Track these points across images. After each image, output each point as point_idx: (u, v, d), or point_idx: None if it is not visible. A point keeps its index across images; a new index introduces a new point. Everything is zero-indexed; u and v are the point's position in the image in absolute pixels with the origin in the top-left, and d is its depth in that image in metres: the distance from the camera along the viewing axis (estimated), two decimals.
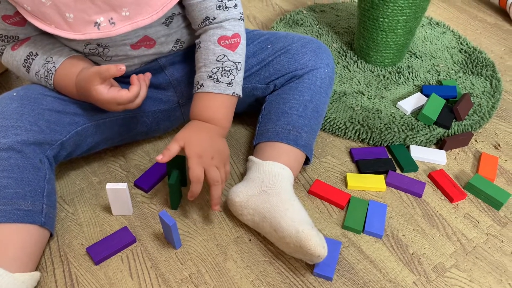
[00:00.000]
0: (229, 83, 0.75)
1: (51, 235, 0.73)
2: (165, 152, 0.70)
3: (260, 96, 0.89)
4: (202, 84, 0.75)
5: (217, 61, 0.75)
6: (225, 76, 0.75)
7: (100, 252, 0.72)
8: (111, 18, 0.69)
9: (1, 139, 0.68)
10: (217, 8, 0.74)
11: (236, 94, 0.77)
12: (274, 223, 0.69)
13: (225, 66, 0.75)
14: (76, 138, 0.76)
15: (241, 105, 0.86)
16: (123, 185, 0.74)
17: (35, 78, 0.75)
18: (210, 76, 0.74)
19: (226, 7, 0.75)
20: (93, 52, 0.76)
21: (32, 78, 0.76)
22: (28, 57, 0.75)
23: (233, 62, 0.75)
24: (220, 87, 0.75)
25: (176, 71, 0.83)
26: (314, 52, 0.85)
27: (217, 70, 0.74)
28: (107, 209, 0.80)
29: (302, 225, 0.66)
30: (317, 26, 1.22)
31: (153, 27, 0.75)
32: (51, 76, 0.74)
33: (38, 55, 0.75)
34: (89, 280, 0.70)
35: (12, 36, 0.75)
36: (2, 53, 0.78)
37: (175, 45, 0.80)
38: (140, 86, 0.73)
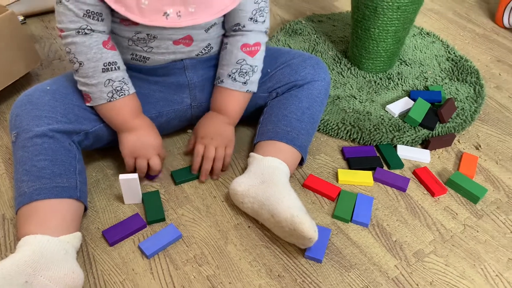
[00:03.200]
0: (244, 83, 0.91)
1: (86, 210, 0.82)
2: (189, 148, 0.94)
3: (262, 104, 0.99)
4: (222, 80, 0.92)
5: (237, 63, 0.90)
6: (241, 76, 0.90)
7: (115, 235, 0.81)
8: (179, 11, 0.80)
9: (35, 127, 0.77)
10: (249, 19, 0.89)
11: (249, 91, 0.92)
12: (272, 209, 0.77)
13: (243, 69, 0.90)
14: (99, 132, 0.86)
15: (244, 112, 0.96)
16: (134, 175, 0.83)
17: (103, 80, 0.81)
18: (229, 75, 0.91)
19: (256, 21, 0.90)
20: (140, 40, 0.85)
21: (97, 77, 0.80)
22: (112, 64, 0.81)
23: (250, 66, 0.91)
24: (236, 85, 0.91)
25: (195, 76, 0.93)
26: (312, 67, 0.96)
27: (235, 71, 0.90)
28: (121, 198, 0.88)
29: (297, 211, 0.75)
30: (315, 35, 1.31)
31: (197, 29, 0.86)
32: (121, 95, 0.83)
33: (119, 69, 0.83)
34: (105, 259, 0.79)
35: (98, 13, 0.78)
36: (86, 33, 0.79)
37: (205, 49, 0.91)
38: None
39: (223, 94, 0.92)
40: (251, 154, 0.90)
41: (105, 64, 0.81)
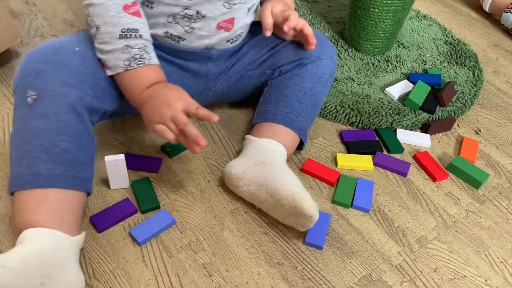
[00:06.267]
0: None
1: None
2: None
3: (266, 81, 0.93)
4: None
5: None
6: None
7: (103, 221, 0.76)
8: None
9: (66, 97, 0.67)
10: None
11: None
12: (271, 188, 0.73)
13: None
14: (114, 111, 0.78)
15: (248, 90, 0.93)
16: (121, 156, 0.77)
17: (120, 46, 0.71)
18: None
19: None
20: (185, 17, 0.77)
21: (113, 43, 0.71)
22: (132, 31, 0.71)
23: None
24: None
25: (216, 67, 0.87)
26: (320, 44, 0.90)
27: None
28: (109, 181, 0.83)
29: (297, 188, 0.71)
30: (310, 16, 1.27)
31: (241, 10, 0.81)
32: (140, 64, 0.72)
33: (141, 37, 0.72)
34: (93, 246, 0.74)
35: None
36: None
37: (237, 36, 0.86)
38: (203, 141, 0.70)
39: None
40: (247, 136, 0.85)
41: (123, 30, 0.70)
